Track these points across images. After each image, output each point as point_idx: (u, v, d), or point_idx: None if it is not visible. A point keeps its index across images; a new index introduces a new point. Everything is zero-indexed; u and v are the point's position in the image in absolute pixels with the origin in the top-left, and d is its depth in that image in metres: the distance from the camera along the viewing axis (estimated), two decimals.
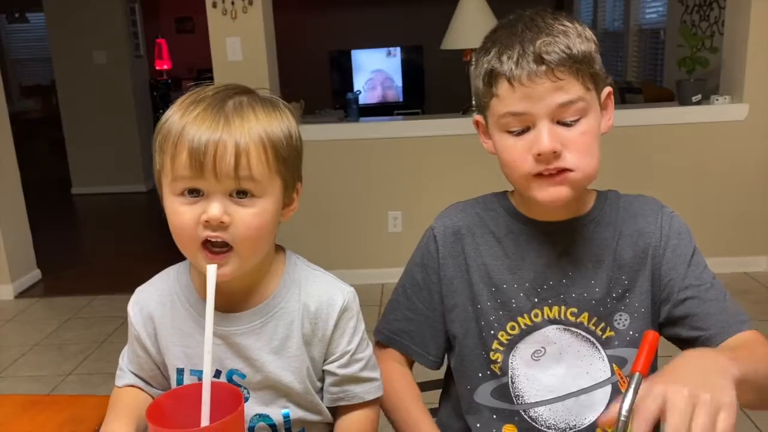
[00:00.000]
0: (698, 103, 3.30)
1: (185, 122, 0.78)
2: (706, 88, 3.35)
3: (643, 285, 0.95)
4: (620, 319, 0.95)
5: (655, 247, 0.95)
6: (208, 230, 0.78)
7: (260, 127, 0.80)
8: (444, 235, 1.00)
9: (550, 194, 0.87)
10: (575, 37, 0.85)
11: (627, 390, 0.75)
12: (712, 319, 0.91)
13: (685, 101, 3.32)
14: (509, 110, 0.86)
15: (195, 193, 0.79)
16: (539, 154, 0.84)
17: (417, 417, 0.97)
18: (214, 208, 0.77)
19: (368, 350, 0.94)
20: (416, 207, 3.46)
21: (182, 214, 0.79)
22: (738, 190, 3.36)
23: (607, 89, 0.91)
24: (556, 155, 0.84)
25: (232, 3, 3.28)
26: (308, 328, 0.89)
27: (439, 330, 1.01)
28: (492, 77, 0.87)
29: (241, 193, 0.79)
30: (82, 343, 2.98)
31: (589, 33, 0.87)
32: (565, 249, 0.95)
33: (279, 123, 0.83)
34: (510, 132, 0.87)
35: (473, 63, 0.93)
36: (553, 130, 0.84)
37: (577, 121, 0.85)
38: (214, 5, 3.29)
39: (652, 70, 5.23)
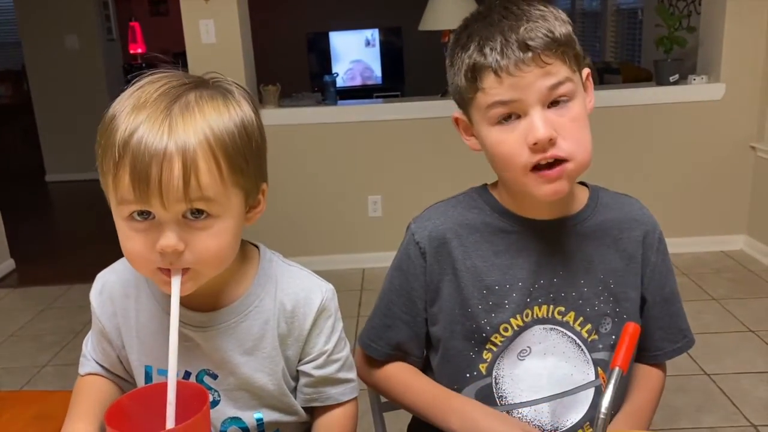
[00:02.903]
0: (676, 83, 3.31)
1: (125, 137, 0.68)
2: (683, 68, 3.36)
3: (631, 293, 0.95)
4: (604, 323, 0.94)
5: (644, 257, 0.96)
6: (163, 259, 0.71)
7: (209, 133, 0.70)
8: (429, 240, 0.95)
9: (550, 189, 0.84)
10: (554, 21, 0.83)
11: (607, 386, 0.74)
12: (657, 343, 1.01)
13: (663, 81, 3.33)
14: (497, 99, 0.83)
15: (145, 214, 0.71)
16: (535, 143, 0.81)
17: (441, 391, 0.96)
18: (168, 239, 0.70)
19: (346, 350, 0.90)
20: (396, 191, 3.44)
21: (133, 240, 0.72)
22: (715, 169, 3.39)
23: (586, 70, 0.89)
24: (552, 142, 0.81)
25: None
26: (284, 328, 0.85)
27: (420, 333, 0.99)
28: (475, 71, 0.83)
29: (196, 212, 0.71)
30: (58, 334, 2.93)
31: (564, 15, 0.86)
32: (556, 248, 0.93)
33: (229, 119, 0.72)
34: (500, 123, 0.84)
35: (448, 58, 0.90)
36: (546, 116, 0.82)
37: (566, 102, 0.83)
38: None
39: (630, 50, 5.24)
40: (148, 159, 0.68)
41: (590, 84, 0.90)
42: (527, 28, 0.81)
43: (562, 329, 0.93)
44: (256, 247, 0.89)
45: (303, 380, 0.89)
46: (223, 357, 0.83)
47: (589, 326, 0.93)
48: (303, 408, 0.91)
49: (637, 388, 1.00)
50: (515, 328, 0.92)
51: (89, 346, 0.92)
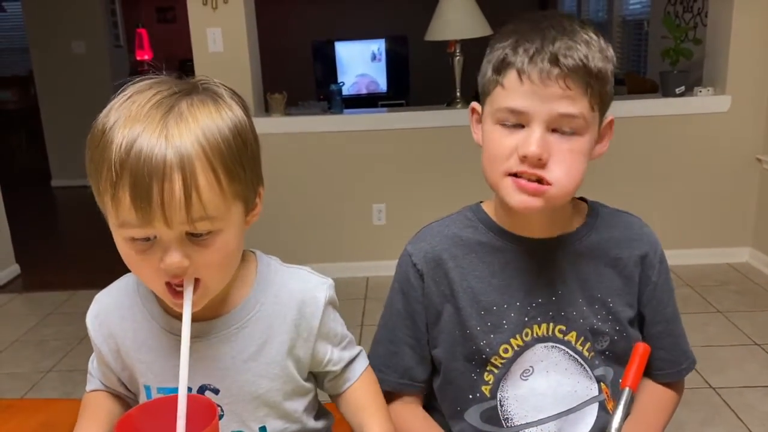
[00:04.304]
0: (682, 94, 3.31)
1: (122, 154, 0.66)
2: (689, 80, 3.36)
3: (629, 312, 0.94)
4: (602, 341, 0.93)
5: (643, 277, 0.95)
6: (168, 275, 0.72)
7: (205, 144, 0.68)
8: (425, 261, 0.94)
9: (523, 202, 0.83)
10: (596, 51, 0.82)
11: (616, 406, 0.73)
12: (659, 363, 0.98)
13: (668, 93, 3.33)
14: (510, 106, 0.82)
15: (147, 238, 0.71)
16: (524, 156, 0.81)
17: None
18: (172, 257, 0.70)
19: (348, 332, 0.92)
20: (400, 199, 3.45)
21: (136, 260, 0.72)
22: (720, 181, 3.38)
23: (610, 117, 0.87)
24: (540, 162, 0.81)
25: None
26: (292, 330, 0.84)
27: (425, 356, 0.97)
28: (503, 66, 0.83)
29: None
30: (63, 339, 2.93)
31: (611, 53, 0.84)
32: (552, 267, 0.92)
33: (223, 125, 0.71)
34: (503, 125, 0.84)
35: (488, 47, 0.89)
36: (545, 137, 0.81)
37: (571, 135, 0.82)
38: None
39: (636, 61, 5.25)
40: (148, 178, 0.66)
41: (610, 132, 0.89)
42: (566, 45, 0.79)
43: (563, 347, 0.92)
44: (252, 252, 0.88)
45: (334, 366, 0.89)
46: (224, 366, 0.82)
47: (589, 344, 0.92)
48: (330, 396, 0.91)
49: (643, 403, 0.98)
50: (515, 348, 0.91)
51: (93, 364, 0.92)
